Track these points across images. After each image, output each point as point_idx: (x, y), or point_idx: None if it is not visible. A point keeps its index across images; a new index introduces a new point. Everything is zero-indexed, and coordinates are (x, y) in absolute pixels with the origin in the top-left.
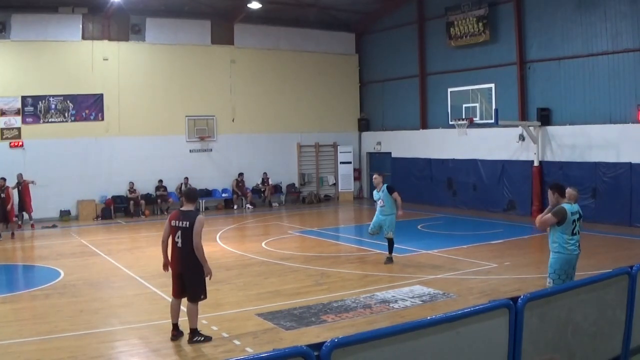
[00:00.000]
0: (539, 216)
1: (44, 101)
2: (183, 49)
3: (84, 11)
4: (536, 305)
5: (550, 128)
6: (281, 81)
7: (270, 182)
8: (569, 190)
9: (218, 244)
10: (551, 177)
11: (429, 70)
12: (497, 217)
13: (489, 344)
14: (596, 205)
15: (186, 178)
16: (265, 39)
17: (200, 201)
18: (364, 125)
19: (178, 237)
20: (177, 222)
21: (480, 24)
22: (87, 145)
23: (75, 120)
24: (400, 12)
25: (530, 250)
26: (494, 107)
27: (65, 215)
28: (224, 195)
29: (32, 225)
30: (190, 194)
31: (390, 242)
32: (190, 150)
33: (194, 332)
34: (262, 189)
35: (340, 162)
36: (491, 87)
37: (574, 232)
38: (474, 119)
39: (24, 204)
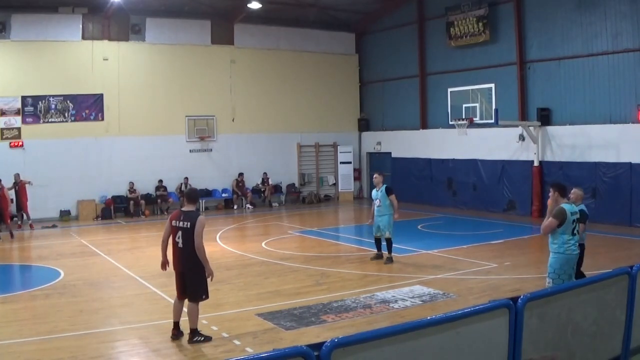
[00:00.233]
0: (543, 224)
1: (44, 101)
2: (183, 49)
3: (84, 11)
4: (536, 305)
5: (550, 128)
6: (281, 81)
7: (270, 182)
8: (575, 191)
9: (218, 244)
10: (551, 177)
11: (429, 70)
12: (497, 217)
13: (489, 344)
14: (596, 205)
15: (186, 178)
16: (265, 39)
17: (200, 201)
18: (364, 125)
19: (179, 237)
20: (177, 222)
21: (480, 24)
22: (87, 145)
23: (75, 120)
24: (400, 12)
25: (530, 250)
26: (494, 107)
27: (65, 215)
28: (224, 195)
29: (31, 226)
30: (192, 194)
31: (389, 242)
32: (190, 150)
33: (194, 332)
34: (262, 189)
35: (340, 162)
36: (491, 87)
37: (574, 232)
38: (474, 119)
39: (21, 204)
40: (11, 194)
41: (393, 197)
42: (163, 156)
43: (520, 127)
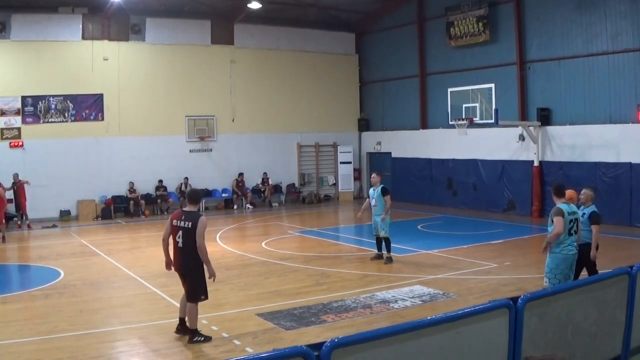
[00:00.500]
0: (552, 233)
1: (44, 101)
2: (183, 49)
3: (84, 11)
4: (536, 305)
5: (550, 128)
6: (281, 81)
7: (270, 182)
8: (585, 191)
9: (218, 244)
10: (551, 177)
11: (429, 70)
12: (497, 217)
13: (489, 344)
14: (596, 205)
15: (186, 178)
16: (265, 39)
17: (200, 201)
18: (364, 125)
19: (179, 237)
20: (179, 221)
21: (480, 24)
22: (87, 145)
23: (75, 120)
24: (400, 12)
25: (530, 250)
26: (494, 107)
27: (65, 215)
28: (224, 195)
29: (29, 226)
30: (193, 195)
31: (387, 241)
32: (190, 150)
33: (194, 332)
34: (262, 189)
35: (340, 162)
36: (491, 87)
37: (571, 232)
38: (474, 119)
39: (20, 204)
40: (10, 194)
41: (387, 197)
42: (163, 156)
43: (520, 127)
